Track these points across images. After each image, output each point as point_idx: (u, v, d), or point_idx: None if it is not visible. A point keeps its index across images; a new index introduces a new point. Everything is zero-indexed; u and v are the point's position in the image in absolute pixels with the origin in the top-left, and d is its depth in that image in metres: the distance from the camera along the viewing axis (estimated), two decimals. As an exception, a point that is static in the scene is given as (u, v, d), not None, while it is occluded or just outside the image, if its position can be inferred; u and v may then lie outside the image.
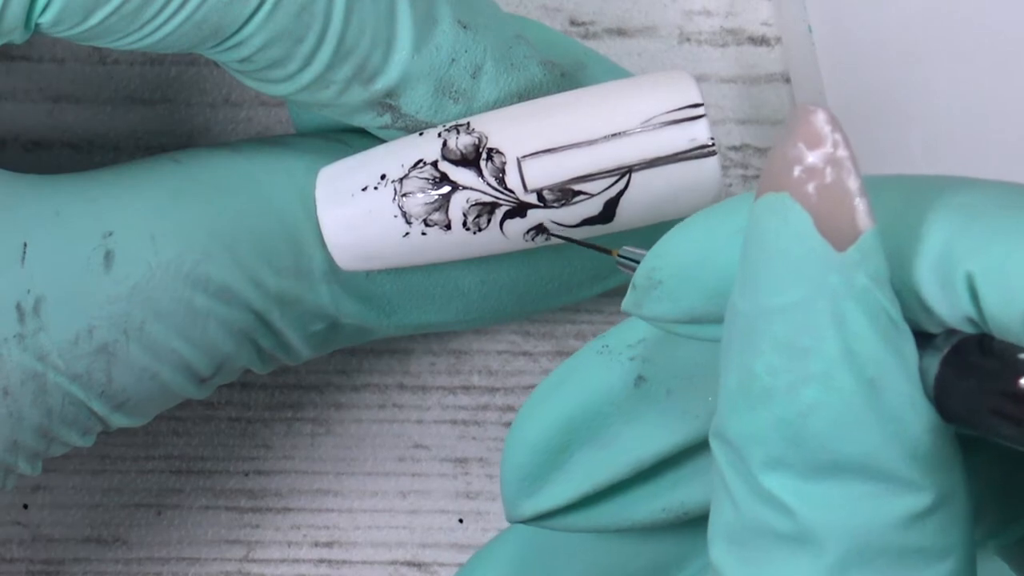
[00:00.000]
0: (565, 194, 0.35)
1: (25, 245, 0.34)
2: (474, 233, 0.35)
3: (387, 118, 0.35)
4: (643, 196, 0.35)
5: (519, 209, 0.35)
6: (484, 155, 0.35)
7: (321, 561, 0.43)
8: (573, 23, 0.43)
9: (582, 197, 0.35)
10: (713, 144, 0.34)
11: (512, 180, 0.35)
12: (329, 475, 0.43)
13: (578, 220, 0.35)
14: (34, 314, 0.34)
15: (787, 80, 0.43)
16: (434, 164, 0.35)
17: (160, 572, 0.43)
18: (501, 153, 0.35)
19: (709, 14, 0.44)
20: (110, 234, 0.35)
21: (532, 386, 0.43)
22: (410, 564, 0.43)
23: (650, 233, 0.39)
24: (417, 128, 0.35)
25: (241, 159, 0.36)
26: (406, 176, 0.35)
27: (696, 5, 0.44)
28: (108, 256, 0.34)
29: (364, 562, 0.43)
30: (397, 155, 0.35)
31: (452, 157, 0.35)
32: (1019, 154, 0.40)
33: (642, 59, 0.43)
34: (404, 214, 0.35)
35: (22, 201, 0.34)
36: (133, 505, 0.43)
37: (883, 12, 0.41)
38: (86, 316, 0.34)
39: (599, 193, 0.35)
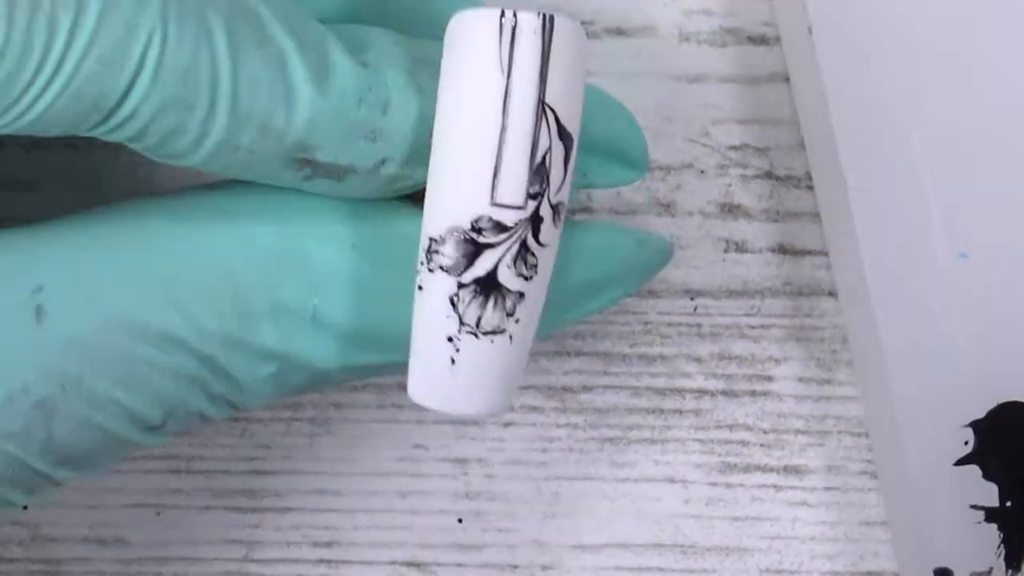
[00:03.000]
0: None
1: None
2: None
3: (308, 171, 0.34)
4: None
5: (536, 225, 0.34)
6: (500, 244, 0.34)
7: (320, 561, 0.43)
8: (573, 23, 0.43)
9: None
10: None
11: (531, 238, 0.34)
12: (328, 475, 0.43)
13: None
14: None
15: (787, 80, 0.43)
16: (474, 287, 0.34)
17: (160, 572, 0.43)
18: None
19: (709, 14, 0.44)
20: (40, 288, 0.34)
21: (532, 386, 0.43)
22: (409, 564, 0.43)
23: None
24: (342, 172, 0.34)
25: (178, 205, 0.35)
26: (464, 330, 0.35)
27: (696, 5, 0.43)
28: (39, 311, 0.34)
29: (363, 562, 0.43)
30: (435, 332, 0.35)
31: (477, 276, 0.34)
32: (1019, 154, 0.40)
33: (642, 59, 0.43)
34: (466, 328, 0.35)
35: None
36: (133, 505, 0.43)
37: (884, 13, 0.41)
38: (19, 373, 0.33)
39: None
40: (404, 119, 0.34)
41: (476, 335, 0.34)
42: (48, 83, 0.31)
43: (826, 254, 0.43)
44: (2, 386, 0.33)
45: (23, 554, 0.43)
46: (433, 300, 0.34)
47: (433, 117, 0.34)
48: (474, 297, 0.34)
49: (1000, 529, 0.40)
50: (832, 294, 0.44)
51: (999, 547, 0.40)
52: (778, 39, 0.44)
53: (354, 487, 0.43)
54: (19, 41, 0.30)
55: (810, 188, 0.43)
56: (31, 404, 0.33)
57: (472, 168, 0.33)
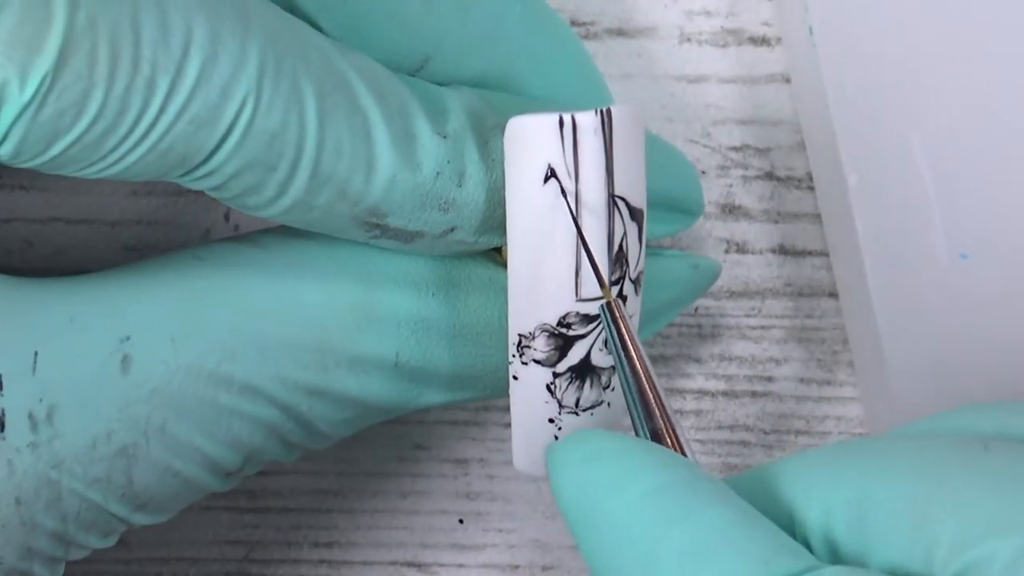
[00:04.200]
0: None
1: (36, 354, 0.33)
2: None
3: (376, 232, 0.35)
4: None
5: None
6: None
7: (321, 562, 0.43)
8: (574, 23, 0.43)
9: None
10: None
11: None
12: (329, 475, 0.43)
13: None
14: (47, 422, 0.33)
15: (787, 80, 0.43)
16: (568, 373, 0.35)
17: (160, 572, 0.43)
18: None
19: (709, 14, 0.44)
20: (127, 338, 0.34)
21: (532, 386, 0.43)
22: (410, 564, 0.43)
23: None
24: (410, 236, 0.35)
25: (264, 254, 0.36)
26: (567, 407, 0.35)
27: (696, 5, 0.43)
28: (125, 360, 0.34)
29: (364, 562, 0.43)
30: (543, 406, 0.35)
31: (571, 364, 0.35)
32: (1018, 154, 0.40)
33: (642, 60, 0.43)
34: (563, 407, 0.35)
35: (34, 308, 0.34)
36: (134, 505, 0.43)
37: (884, 13, 0.41)
38: (103, 420, 0.34)
39: None
40: (477, 191, 0.35)
41: (577, 413, 0.35)
42: (139, 142, 0.31)
43: (827, 255, 0.43)
44: (87, 433, 0.34)
45: (24, 554, 0.43)
46: (530, 389, 0.35)
47: (503, 187, 0.34)
48: (571, 382, 0.35)
49: (1001, 530, 0.40)
50: (833, 295, 0.44)
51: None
52: (779, 40, 0.44)
53: (355, 487, 0.43)
54: (116, 103, 0.30)
55: (811, 189, 0.43)
56: (114, 451, 0.34)
57: (553, 270, 0.34)
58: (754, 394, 0.44)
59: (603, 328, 0.34)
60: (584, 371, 0.35)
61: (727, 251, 0.44)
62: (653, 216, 0.37)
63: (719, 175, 0.43)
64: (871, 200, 0.41)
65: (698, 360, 0.44)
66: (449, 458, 0.43)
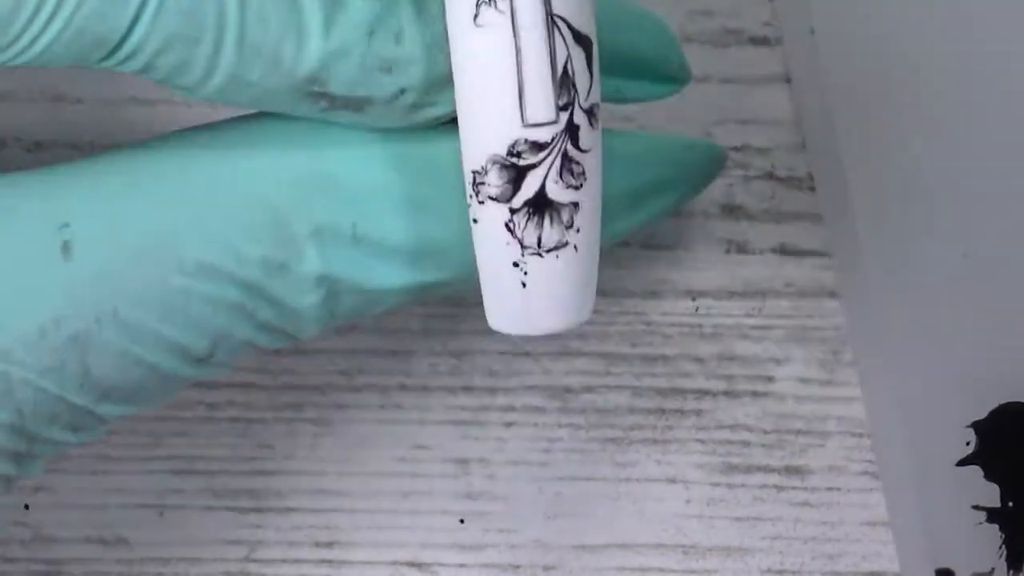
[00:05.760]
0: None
1: None
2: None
3: (323, 103, 0.34)
4: None
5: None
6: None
7: (322, 561, 0.43)
8: (574, 23, 0.43)
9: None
10: None
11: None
12: (330, 475, 0.43)
13: None
14: None
15: (788, 80, 0.43)
16: (524, 208, 0.34)
17: (161, 572, 0.43)
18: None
19: (710, 14, 0.44)
20: (67, 225, 0.33)
21: (534, 387, 0.43)
22: (411, 564, 0.43)
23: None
24: (359, 104, 0.34)
25: (206, 136, 0.35)
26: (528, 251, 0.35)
27: (697, 5, 0.44)
28: (66, 247, 0.33)
29: (365, 562, 0.43)
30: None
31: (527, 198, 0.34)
32: (1019, 154, 0.40)
33: (643, 59, 0.43)
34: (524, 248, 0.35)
35: None
36: (134, 505, 0.43)
37: (885, 13, 0.41)
38: (49, 308, 0.33)
39: None
40: (417, 47, 0.34)
41: (540, 255, 0.34)
42: (48, 21, 0.31)
43: (827, 255, 0.43)
44: (32, 321, 0.33)
45: (24, 554, 0.43)
46: (490, 230, 0.34)
47: (446, 41, 0.34)
48: (529, 218, 0.34)
49: (1002, 530, 0.40)
50: (833, 295, 0.44)
51: (1001, 548, 0.40)
52: (780, 40, 0.44)
53: (356, 487, 0.43)
54: None
55: (811, 189, 0.43)
56: (64, 338, 0.33)
57: (496, 96, 0.33)
58: (755, 394, 0.44)
59: (555, 157, 0.34)
60: (541, 205, 0.34)
61: (727, 251, 0.44)
62: (627, 77, 0.37)
63: (719, 175, 0.43)
64: (871, 200, 0.41)
65: (699, 360, 0.44)
66: (450, 458, 0.43)
